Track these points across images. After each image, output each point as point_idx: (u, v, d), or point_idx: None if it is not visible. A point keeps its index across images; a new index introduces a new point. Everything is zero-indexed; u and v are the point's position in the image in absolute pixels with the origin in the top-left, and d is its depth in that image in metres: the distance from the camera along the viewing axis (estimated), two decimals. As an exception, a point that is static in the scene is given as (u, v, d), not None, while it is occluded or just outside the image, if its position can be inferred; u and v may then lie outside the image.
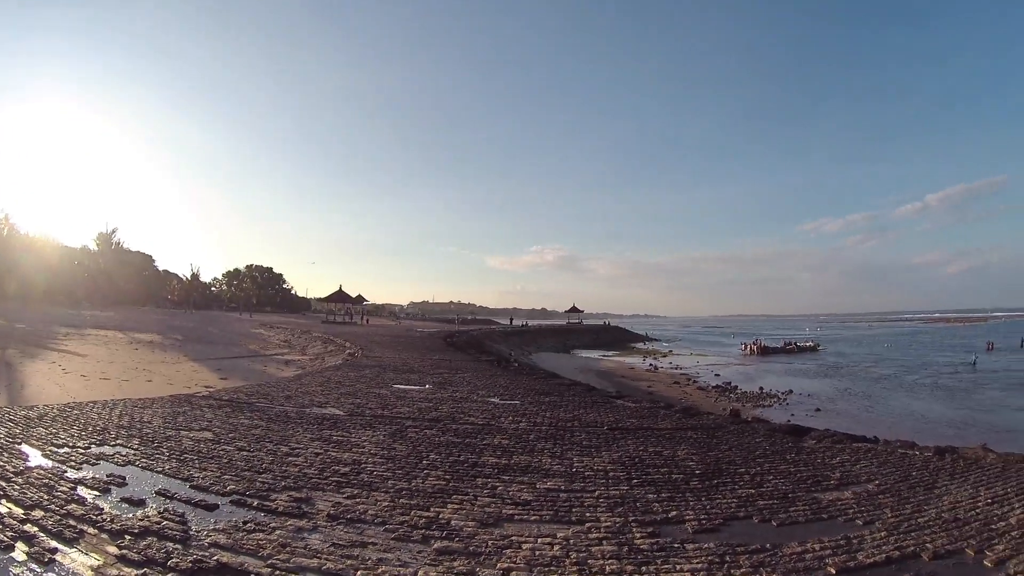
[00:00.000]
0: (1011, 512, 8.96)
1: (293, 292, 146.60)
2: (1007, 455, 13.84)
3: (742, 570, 6.75)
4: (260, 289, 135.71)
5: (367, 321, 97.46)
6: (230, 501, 8.19)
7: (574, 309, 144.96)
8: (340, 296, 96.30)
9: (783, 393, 43.36)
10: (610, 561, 6.82)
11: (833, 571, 6.77)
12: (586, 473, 10.55)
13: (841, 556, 7.14)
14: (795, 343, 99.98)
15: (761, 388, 45.82)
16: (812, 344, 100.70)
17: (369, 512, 7.89)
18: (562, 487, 9.59)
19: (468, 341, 57.63)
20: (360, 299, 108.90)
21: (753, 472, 11.40)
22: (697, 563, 6.90)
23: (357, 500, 8.40)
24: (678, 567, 6.80)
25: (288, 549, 6.60)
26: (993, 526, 8.29)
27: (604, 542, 7.38)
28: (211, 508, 7.88)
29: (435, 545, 6.91)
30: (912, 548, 7.40)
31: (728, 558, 7.05)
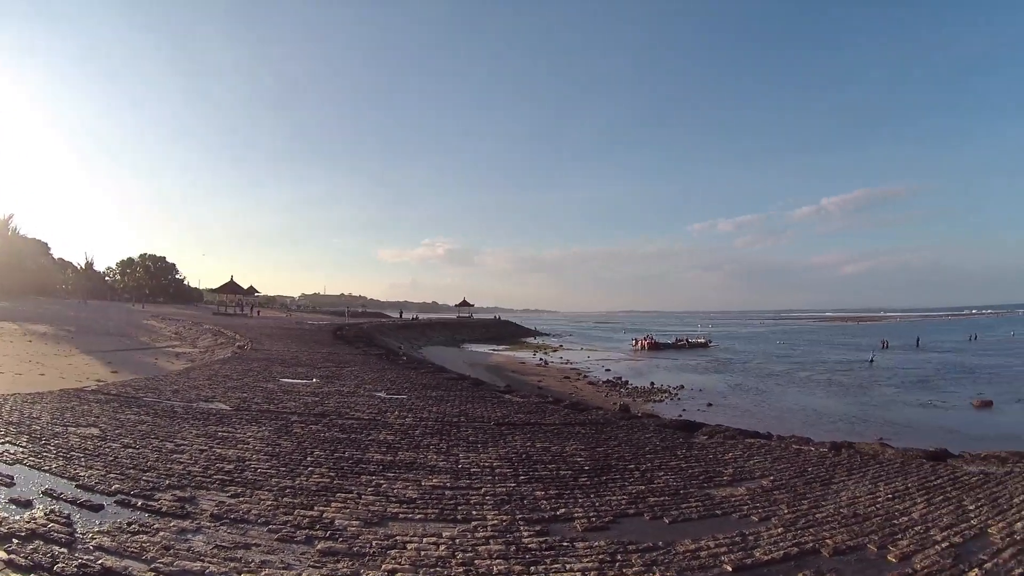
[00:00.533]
0: (913, 507, 9.25)
1: (186, 283, 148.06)
2: (906, 450, 14.39)
3: (634, 569, 6.66)
4: (153, 279, 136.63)
5: (258, 313, 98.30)
6: (115, 501, 8.03)
7: (464, 303, 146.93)
8: (231, 287, 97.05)
9: (674, 388, 44.48)
10: (498, 561, 6.70)
11: (730, 569, 6.74)
12: (472, 470, 10.64)
13: (737, 553, 7.14)
14: (687, 339, 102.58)
15: (652, 383, 46.98)
16: (704, 340, 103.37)
17: (253, 512, 7.84)
18: (448, 484, 9.65)
19: (358, 334, 58.42)
20: (251, 290, 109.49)
21: (643, 468, 11.47)
22: (587, 562, 6.80)
23: (241, 499, 8.33)
24: (568, 566, 6.68)
25: (172, 552, 6.48)
26: (895, 521, 8.50)
27: (491, 541, 7.28)
28: (96, 509, 7.73)
29: (319, 546, 6.86)
30: (811, 544, 7.47)
31: (619, 556, 6.96)
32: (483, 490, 9.39)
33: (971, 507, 9.33)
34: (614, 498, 9.37)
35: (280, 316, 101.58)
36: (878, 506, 9.26)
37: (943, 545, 7.54)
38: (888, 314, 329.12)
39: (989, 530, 8.20)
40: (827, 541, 7.54)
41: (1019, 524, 8.43)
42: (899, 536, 7.85)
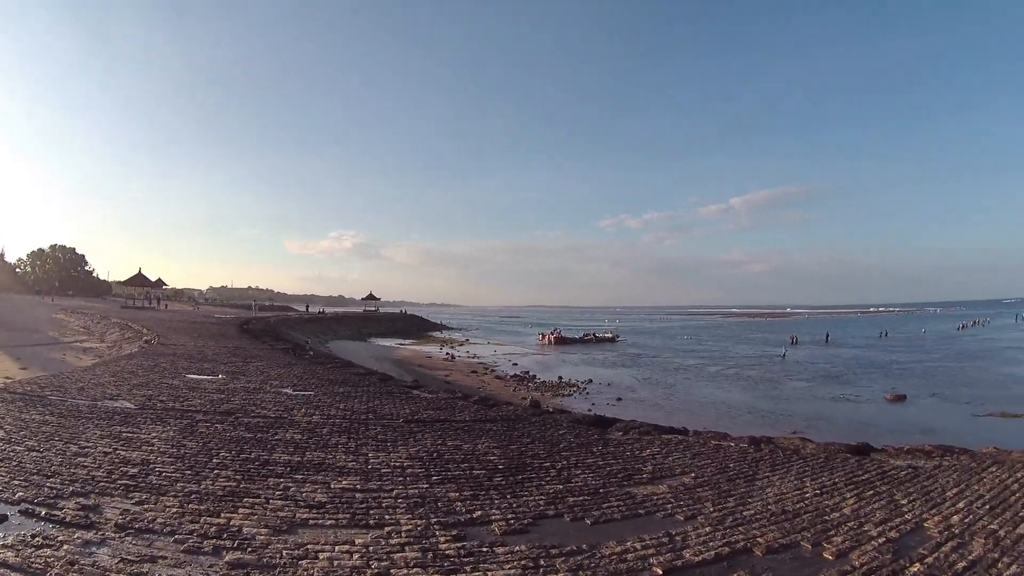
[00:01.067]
0: (844, 503, 9.36)
1: (95, 275, 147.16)
2: (828, 445, 14.65)
3: (559, 575, 6.48)
4: (63, 271, 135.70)
5: (166, 306, 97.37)
6: (19, 511, 7.72)
7: (371, 296, 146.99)
8: (139, 280, 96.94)
9: (583, 382, 44.99)
10: (415, 570, 6.48)
11: (660, 572, 6.63)
12: (383, 470, 10.50)
13: (666, 555, 7.05)
14: (594, 334, 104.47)
15: (560, 377, 47.51)
16: (611, 335, 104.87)
17: (158, 520, 7.53)
18: (358, 486, 9.47)
19: (264, 328, 58.69)
20: (160, 283, 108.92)
21: (559, 466, 11.41)
22: (509, 568, 6.62)
23: (146, 506, 8.03)
24: (489, 573, 6.48)
25: (76, 567, 6.16)
26: (827, 517, 8.58)
27: (407, 548, 7.06)
28: (1, 520, 7.40)
29: (227, 557, 6.59)
30: (742, 543, 7.44)
31: (543, 562, 6.80)
32: (395, 492, 9.19)
33: (904, 501, 9.52)
34: (532, 498, 9.24)
35: (188, 310, 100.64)
36: (807, 502, 9.35)
37: (880, 541, 7.60)
38: (796, 311, 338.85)
39: (925, 524, 8.35)
40: (759, 540, 7.52)
41: (956, 517, 8.62)
42: (833, 532, 7.90)
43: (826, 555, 7.14)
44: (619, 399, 37.63)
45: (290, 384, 21.35)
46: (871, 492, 10.03)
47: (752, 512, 8.75)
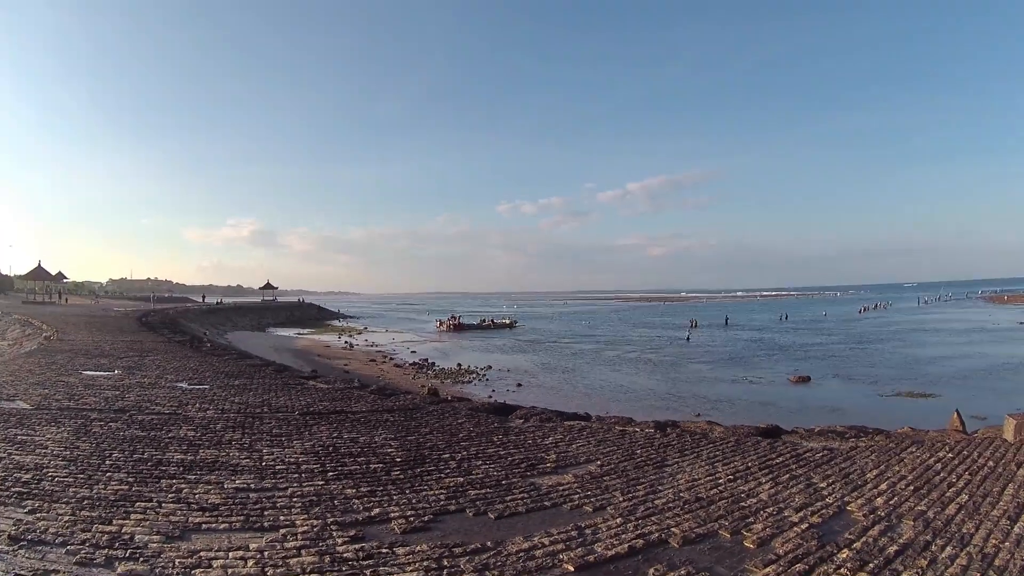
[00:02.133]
0: (760, 488, 9.15)
1: None
2: (736, 427, 14.63)
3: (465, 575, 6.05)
4: None
5: (66, 300, 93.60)
6: None
7: (268, 286, 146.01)
8: (39, 273, 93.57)
9: (482, 369, 45.55)
10: None
11: (571, 569, 6.23)
12: (277, 467, 10.19)
13: (576, 550, 6.67)
14: (492, 320, 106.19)
15: (459, 364, 47.88)
16: (509, 321, 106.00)
17: (51, 530, 7.08)
18: (252, 485, 9.13)
19: (163, 320, 58.49)
20: (60, 276, 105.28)
21: (459, 457, 11.08)
22: (411, 571, 6.19)
23: (39, 515, 7.57)
24: (391, 576, 6.06)
25: None
26: (744, 504, 8.33)
27: (303, 552, 6.62)
28: None
29: (119, 569, 6.16)
30: (657, 535, 7.11)
31: (446, 562, 6.37)
32: (290, 491, 8.84)
33: (823, 485, 9.38)
34: (432, 493, 8.87)
35: (88, 303, 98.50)
36: (721, 488, 9.12)
37: (802, 527, 7.39)
38: (693, 294, 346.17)
39: (849, 508, 8.20)
40: (674, 530, 7.21)
41: (880, 500, 8.51)
42: (752, 520, 7.65)
43: (747, 544, 6.87)
44: (519, 385, 38.13)
45: (185, 378, 21.04)
46: (787, 476, 9.89)
47: (664, 501, 8.46)
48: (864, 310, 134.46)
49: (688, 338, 71.61)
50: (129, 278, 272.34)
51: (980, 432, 13.50)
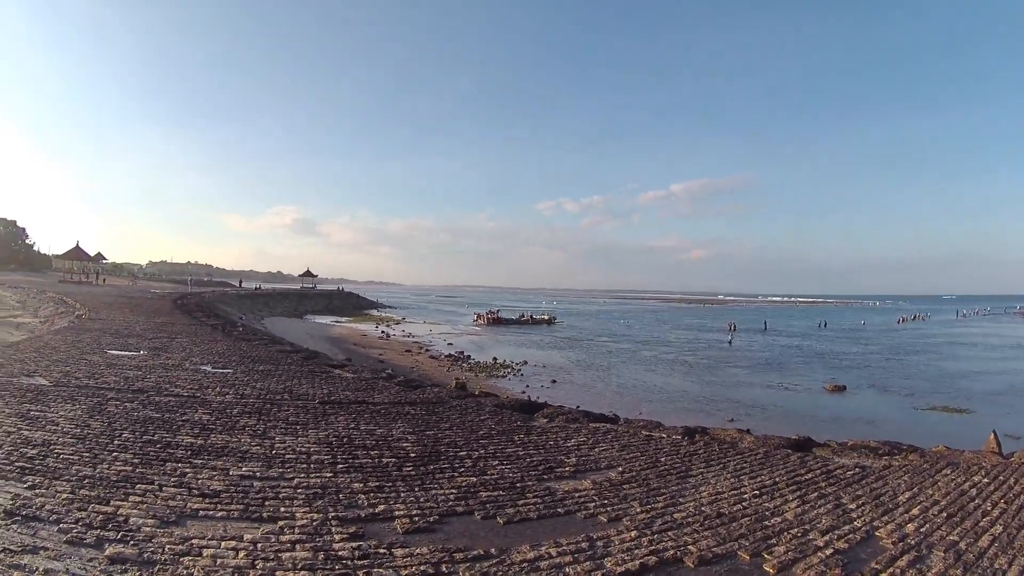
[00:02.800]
0: (785, 506, 8.60)
1: (36, 248, 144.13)
2: (766, 437, 14.07)
3: (461, 585, 5.74)
4: (3, 246, 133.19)
5: (104, 281, 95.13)
6: None
7: (308, 273, 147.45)
8: (76, 253, 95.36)
9: (517, 364, 45.24)
10: (301, 573, 5.80)
11: (576, 585, 5.79)
12: (287, 456, 9.92)
13: (584, 563, 6.24)
14: (531, 315, 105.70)
15: (495, 358, 47.68)
16: (548, 317, 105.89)
17: (47, 507, 7.06)
18: (259, 473, 8.90)
19: (199, 304, 57.91)
20: (99, 257, 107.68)
21: (476, 456, 10.67)
22: (406, 574, 5.86)
23: (38, 491, 7.57)
24: (382, 580, 5.82)
25: None
26: (767, 523, 7.79)
27: (297, 546, 6.39)
28: None
29: (108, 551, 6.05)
30: (672, 552, 6.64)
31: (445, 568, 6.02)
32: (295, 481, 8.60)
33: (852, 506, 8.80)
34: (441, 492, 8.50)
35: (126, 284, 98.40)
36: (745, 504, 8.59)
37: (827, 552, 6.86)
38: (732, 298, 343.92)
39: (877, 533, 7.64)
40: (690, 548, 6.74)
41: (911, 526, 7.93)
42: (774, 541, 7.13)
43: (767, 567, 6.38)
44: (554, 381, 37.84)
45: (211, 361, 20.95)
46: (815, 494, 9.31)
47: (684, 515, 7.98)
48: (902, 321, 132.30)
49: (730, 342, 70.85)
50: (169, 261, 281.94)
51: (1017, 455, 12.83)
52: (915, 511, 8.65)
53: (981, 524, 8.20)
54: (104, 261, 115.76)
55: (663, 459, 11.18)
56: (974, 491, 9.86)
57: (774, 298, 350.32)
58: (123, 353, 20.93)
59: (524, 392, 31.63)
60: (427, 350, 52.18)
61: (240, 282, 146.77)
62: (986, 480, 10.59)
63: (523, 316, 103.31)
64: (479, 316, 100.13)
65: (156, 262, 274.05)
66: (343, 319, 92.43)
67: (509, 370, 42.00)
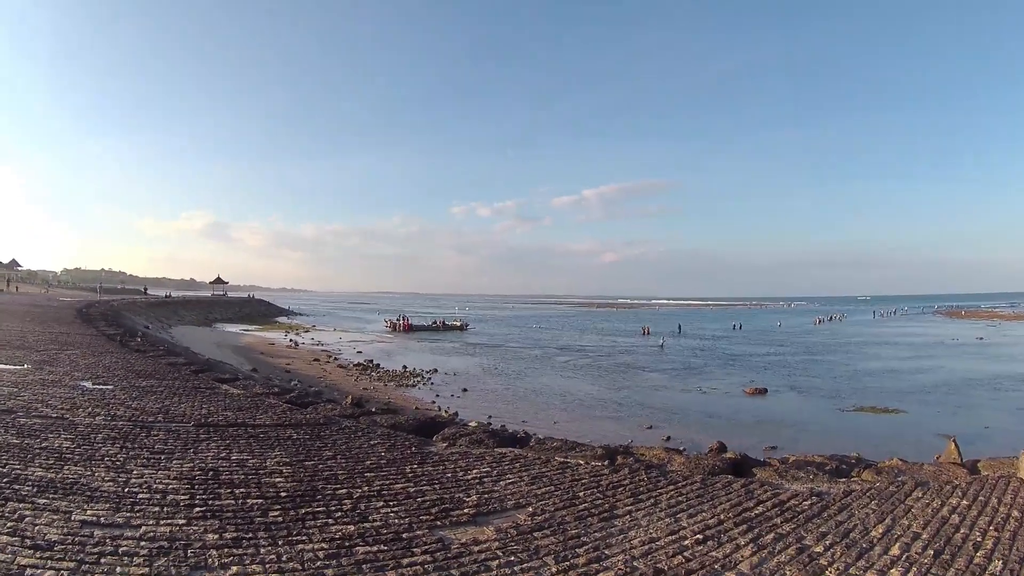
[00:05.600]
0: (738, 554, 6.94)
1: None
2: (699, 458, 12.66)
3: None
4: None
5: (16, 289, 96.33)
6: None
7: (219, 280, 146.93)
8: None
9: (428, 372, 44.34)
10: None
11: None
12: (140, 495, 8.51)
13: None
14: (443, 321, 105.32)
15: (405, 366, 46.56)
16: (460, 323, 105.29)
17: None
18: (103, 519, 7.49)
19: (104, 312, 57.35)
20: (14, 264, 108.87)
21: (358, 495, 8.99)
22: None
23: None
24: None
25: None
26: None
27: None
28: None
29: None
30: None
31: None
32: (142, 530, 7.16)
33: (818, 549, 7.20)
34: (309, 548, 6.83)
35: (38, 292, 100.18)
36: (688, 556, 6.85)
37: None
38: (647, 302, 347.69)
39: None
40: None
41: (895, 572, 6.37)
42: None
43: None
44: (464, 390, 36.95)
45: (95, 375, 19.89)
46: (771, 535, 7.62)
47: (613, 574, 6.27)
48: (819, 322, 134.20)
49: (662, 346, 70.59)
50: (83, 268, 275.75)
51: (984, 468, 11.54)
52: (895, 551, 7.13)
53: (976, 561, 6.82)
54: (19, 268, 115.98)
55: (582, 493, 9.49)
56: (956, 518, 8.43)
57: (689, 302, 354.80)
58: (5, 367, 19.94)
59: (434, 402, 30.96)
60: (335, 359, 50.94)
61: (145, 289, 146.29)
62: (965, 503, 9.23)
63: (435, 322, 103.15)
64: (390, 323, 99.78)
65: (71, 269, 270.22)
66: (252, 327, 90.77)
67: (419, 379, 40.97)
